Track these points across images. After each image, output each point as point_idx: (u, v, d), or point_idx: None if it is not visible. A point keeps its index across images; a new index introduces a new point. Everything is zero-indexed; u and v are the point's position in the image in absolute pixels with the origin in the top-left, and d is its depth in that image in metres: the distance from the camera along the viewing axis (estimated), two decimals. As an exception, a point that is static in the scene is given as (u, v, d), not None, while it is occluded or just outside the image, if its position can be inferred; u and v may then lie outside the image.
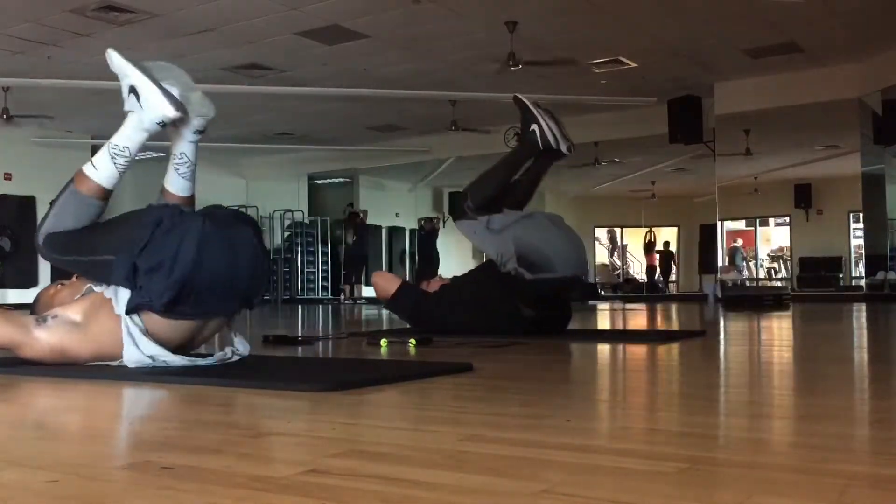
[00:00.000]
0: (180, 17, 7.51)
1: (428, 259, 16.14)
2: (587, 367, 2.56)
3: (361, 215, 15.24)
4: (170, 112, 2.17)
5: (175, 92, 2.20)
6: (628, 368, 2.49)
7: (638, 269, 20.36)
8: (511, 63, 8.02)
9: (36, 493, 0.93)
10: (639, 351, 2.88)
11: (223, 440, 1.25)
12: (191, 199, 2.36)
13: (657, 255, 19.18)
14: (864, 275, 11.25)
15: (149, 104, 2.17)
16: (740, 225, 14.52)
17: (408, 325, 3.99)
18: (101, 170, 2.23)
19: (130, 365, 2.12)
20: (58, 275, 12.37)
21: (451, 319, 3.56)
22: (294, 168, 15.45)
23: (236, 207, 15.30)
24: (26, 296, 10.71)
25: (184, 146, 2.30)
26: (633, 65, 9.40)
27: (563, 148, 3.57)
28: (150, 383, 1.95)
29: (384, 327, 4.81)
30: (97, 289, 2.22)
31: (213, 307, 2.20)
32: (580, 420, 1.45)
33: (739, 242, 14.75)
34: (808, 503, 0.85)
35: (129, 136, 2.22)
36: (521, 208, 3.67)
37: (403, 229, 17.55)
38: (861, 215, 11.10)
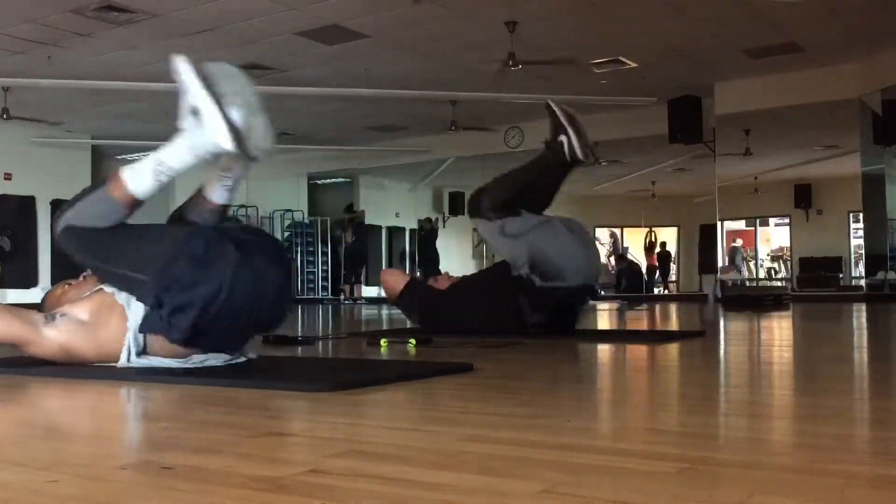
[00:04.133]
0: (180, 17, 7.51)
1: (428, 259, 16.15)
2: (587, 367, 2.56)
3: (359, 214, 15.25)
4: (227, 146, 2.00)
5: (239, 118, 2.02)
6: (628, 368, 2.49)
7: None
8: (511, 63, 8.02)
9: (36, 493, 0.93)
10: (639, 351, 2.88)
11: (223, 440, 1.25)
12: (227, 208, 2.29)
13: (657, 256, 19.18)
14: (864, 275, 11.25)
15: (207, 131, 2.01)
16: (740, 225, 14.51)
17: (409, 325, 3.99)
18: (141, 181, 2.10)
19: (128, 363, 2.12)
20: (59, 276, 12.38)
21: (458, 318, 3.56)
22: (294, 168, 15.45)
23: (236, 207, 15.18)
24: (26, 296, 10.71)
25: (234, 165, 2.20)
26: (633, 65, 9.40)
27: (587, 158, 3.55)
28: (151, 383, 1.95)
29: (384, 327, 4.81)
30: (108, 289, 2.21)
31: (228, 343, 2.21)
32: (580, 420, 1.45)
33: (739, 242, 14.74)
34: (808, 503, 0.85)
35: (178, 156, 2.07)
36: (541, 212, 3.66)
37: (403, 229, 17.55)
38: (861, 215, 11.09)
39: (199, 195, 2.26)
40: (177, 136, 2.07)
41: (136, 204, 2.14)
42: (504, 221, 3.53)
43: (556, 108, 3.58)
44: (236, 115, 2.02)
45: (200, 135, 2.02)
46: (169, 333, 2.08)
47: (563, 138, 3.53)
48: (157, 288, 2.05)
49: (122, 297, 2.15)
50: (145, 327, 2.09)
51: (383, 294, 4.05)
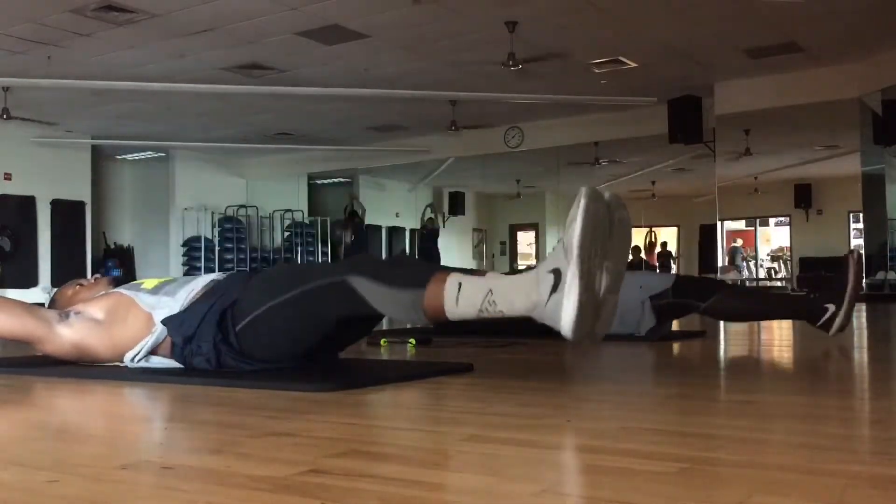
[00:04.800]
0: (180, 17, 7.51)
1: (429, 259, 16.15)
2: (587, 367, 2.56)
3: (360, 214, 15.25)
4: (566, 332, 1.60)
5: (591, 306, 1.62)
6: (628, 368, 2.49)
7: (638, 269, 20.38)
8: (511, 63, 8.02)
9: (36, 493, 0.93)
10: (639, 351, 2.88)
11: (223, 440, 1.25)
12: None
13: (657, 256, 19.20)
14: (864, 275, 11.24)
15: (556, 307, 1.61)
16: (740, 225, 14.51)
17: (409, 325, 3.99)
18: (463, 307, 1.74)
19: (130, 364, 2.12)
20: (59, 276, 12.37)
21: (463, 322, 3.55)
22: (294, 168, 15.44)
23: (236, 207, 15.19)
24: (26, 296, 10.70)
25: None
26: (633, 65, 9.40)
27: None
28: (151, 383, 1.95)
29: (384, 327, 4.81)
30: (126, 292, 2.20)
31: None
32: (580, 420, 1.45)
33: (739, 242, 14.74)
34: (808, 503, 0.85)
35: (513, 301, 1.68)
36: None
37: (403, 229, 17.55)
38: (861, 215, 11.09)
39: (429, 301, 1.79)
40: (526, 277, 1.70)
41: (439, 321, 1.82)
42: None
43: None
44: (595, 297, 1.63)
45: (545, 302, 1.63)
46: (192, 361, 2.08)
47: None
48: (219, 348, 2.03)
49: (146, 302, 2.14)
50: (177, 355, 2.10)
51: None
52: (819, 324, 3.03)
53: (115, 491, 0.94)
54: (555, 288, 1.62)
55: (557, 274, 1.62)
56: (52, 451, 1.19)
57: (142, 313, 2.13)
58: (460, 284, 1.75)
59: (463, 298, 1.74)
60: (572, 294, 1.58)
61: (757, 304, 3.48)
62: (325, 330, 2.03)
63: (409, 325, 1.89)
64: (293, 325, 2.02)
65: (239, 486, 0.94)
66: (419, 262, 2.16)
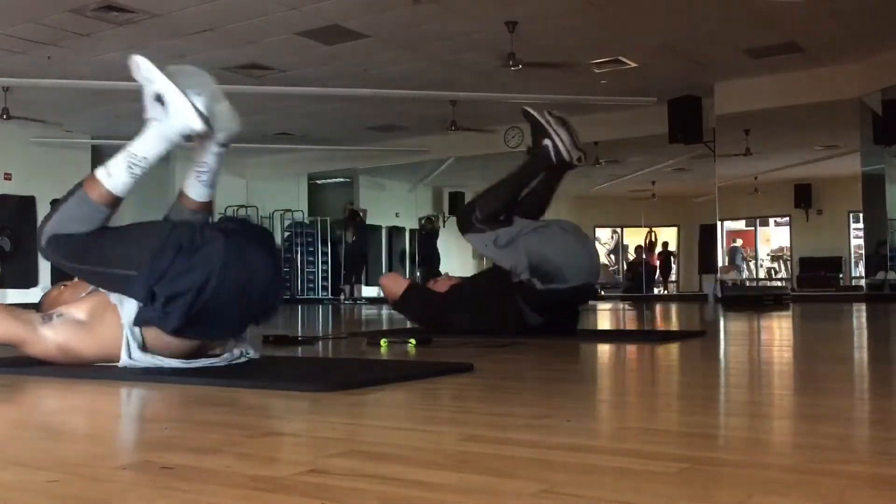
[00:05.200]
0: (180, 17, 7.51)
1: (428, 259, 16.14)
2: (587, 367, 2.56)
3: (361, 214, 15.24)
4: (196, 125, 2.09)
5: (201, 103, 2.11)
6: (628, 368, 2.49)
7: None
8: (511, 63, 8.02)
9: (36, 493, 0.93)
10: (639, 351, 2.88)
11: (223, 440, 1.25)
12: (209, 205, 2.31)
13: (657, 256, 19.19)
14: (864, 275, 11.25)
15: (175, 115, 2.09)
16: (740, 225, 14.51)
17: (409, 325, 3.99)
18: (116, 177, 2.13)
19: (129, 364, 2.12)
20: (59, 275, 12.36)
21: (458, 322, 3.56)
22: (294, 168, 15.45)
23: (236, 207, 15.20)
24: (26, 296, 10.71)
25: (207, 156, 2.23)
26: (633, 65, 9.40)
27: (575, 159, 3.50)
28: (151, 383, 1.95)
29: (384, 327, 4.81)
30: (102, 290, 2.21)
31: (222, 330, 2.21)
32: (580, 420, 1.45)
33: (739, 242, 14.74)
34: (808, 503, 0.85)
35: (150, 145, 2.13)
36: (537, 218, 3.62)
37: (403, 229, 17.55)
38: (861, 215, 11.10)
39: (180, 196, 2.29)
40: (145, 128, 2.13)
41: (115, 201, 2.16)
42: (497, 233, 3.48)
43: (534, 113, 3.53)
44: (199, 100, 2.10)
45: (168, 120, 2.09)
46: (164, 324, 2.08)
47: (546, 142, 3.48)
48: (148, 281, 2.06)
49: (114, 296, 2.15)
50: (139, 320, 2.10)
51: (383, 294, 4.05)
52: (558, 161, 3.39)
53: (115, 491, 0.94)
54: (164, 105, 2.09)
55: (160, 97, 2.10)
56: (52, 451, 1.19)
57: (115, 308, 2.14)
58: (106, 165, 2.15)
59: (112, 170, 2.13)
60: (175, 97, 2.08)
61: (505, 179, 3.65)
62: (114, 250, 2.17)
63: (94, 223, 2.20)
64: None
65: (239, 486, 0.94)
66: None
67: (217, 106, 2.18)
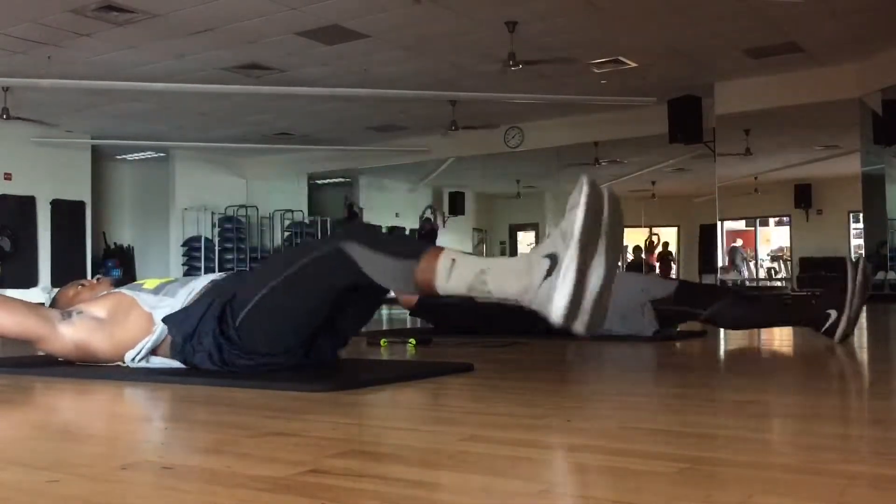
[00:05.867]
0: (180, 17, 7.51)
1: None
2: (587, 367, 2.56)
3: (358, 212, 15.26)
4: (555, 318, 1.57)
5: (591, 294, 1.57)
6: (628, 368, 2.49)
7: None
8: (511, 63, 8.01)
9: (36, 493, 0.93)
10: (639, 351, 2.88)
11: (223, 440, 1.25)
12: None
13: (655, 257, 19.21)
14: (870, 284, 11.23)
15: (548, 289, 1.58)
16: (740, 225, 14.51)
17: (409, 326, 4.00)
18: (454, 283, 1.72)
19: (131, 364, 2.12)
20: (58, 276, 12.37)
21: (472, 324, 3.58)
22: (294, 168, 15.44)
23: (236, 207, 15.17)
24: (26, 296, 10.70)
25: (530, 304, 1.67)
26: (633, 65, 9.39)
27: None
28: (151, 383, 1.95)
29: (384, 327, 4.81)
30: (127, 292, 2.20)
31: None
32: (580, 420, 1.45)
33: (739, 242, 14.74)
34: (808, 503, 0.85)
35: (504, 284, 1.67)
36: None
37: (403, 229, 17.55)
38: (861, 215, 11.09)
39: (402, 291, 1.91)
40: (520, 261, 1.68)
41: (428, 294, 1.82)
42: None
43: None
44: (589, 290, 1.58)
45: (540, 284, 1.61)
46: (193, 361, 2.07)
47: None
48: (223, 346, 2.00)
49: (147, 302, 2.14)
50: (177, 355, 2.08)
51: (400, 302, 4.09)
52: (823, 330, 3.01)
53: (115, 491, 0.94)
54: (549, 272, 1.59)
55: (553, 258, 1.59)
56: (52, 451, 1.19)
57: (143, 313, 2.13)
58: (454, 261, 1.74)
59: (455, 274, 1.72)
60: (568, 278, 1.55)
61: (759, 312, 3.45)
62: (322, 307, 1.99)
63: (379, 283, 1.87)
64: (291, 306, 1.98)
65: (239, 486, 0.94)
66: (416, 239, 2.16)
67: (601, 295, 1.60)
